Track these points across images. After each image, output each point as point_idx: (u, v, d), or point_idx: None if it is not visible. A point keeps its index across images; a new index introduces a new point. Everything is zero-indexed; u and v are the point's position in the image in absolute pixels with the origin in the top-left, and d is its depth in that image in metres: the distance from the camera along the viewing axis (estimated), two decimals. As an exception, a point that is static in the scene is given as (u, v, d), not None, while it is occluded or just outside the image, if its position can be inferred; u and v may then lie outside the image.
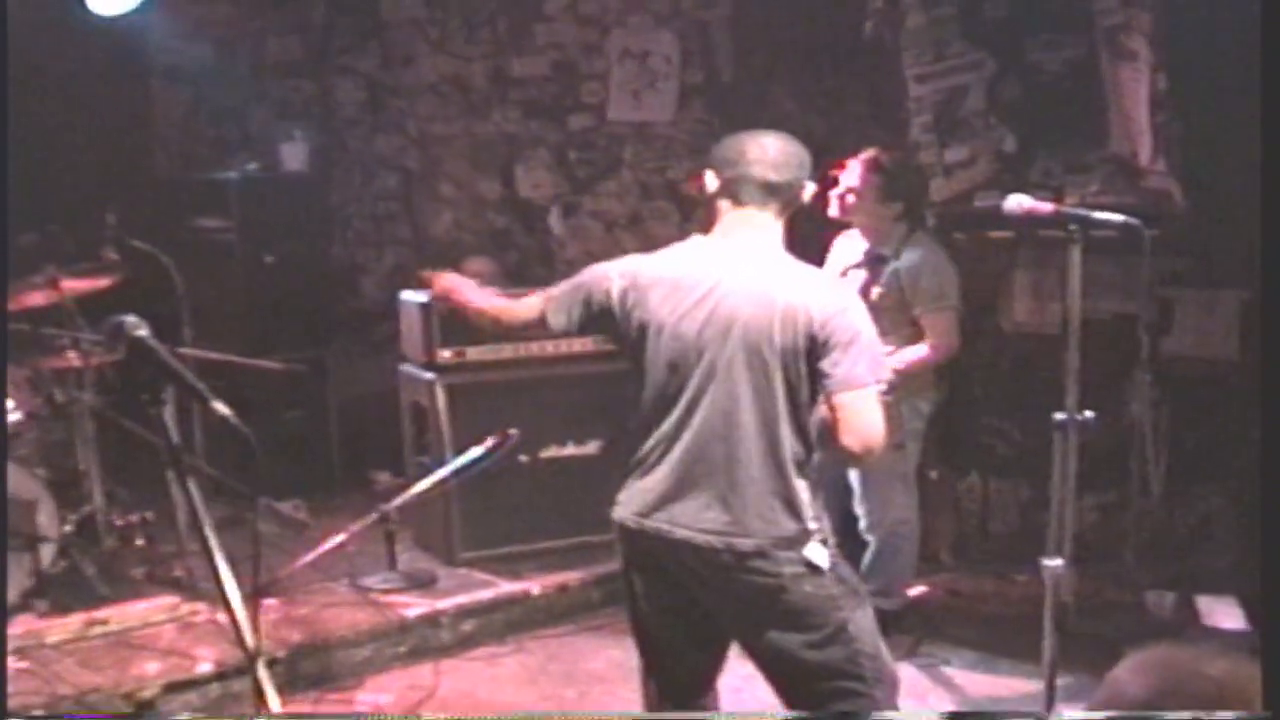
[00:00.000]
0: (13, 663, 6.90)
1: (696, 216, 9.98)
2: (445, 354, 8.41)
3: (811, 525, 4.67)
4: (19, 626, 7.20)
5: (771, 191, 4.78)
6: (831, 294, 4.76)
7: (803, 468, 4.69)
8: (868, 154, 7.33)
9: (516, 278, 9.85)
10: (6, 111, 6.09)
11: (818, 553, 4.65)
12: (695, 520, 4.68)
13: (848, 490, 7.46)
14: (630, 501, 4.84)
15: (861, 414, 4.56)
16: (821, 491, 4.80)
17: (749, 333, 4.62)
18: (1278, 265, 4.44)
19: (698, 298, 4.71)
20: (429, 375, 8.42)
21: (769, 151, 4.80)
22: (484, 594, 7.95)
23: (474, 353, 8.42)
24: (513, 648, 7.67)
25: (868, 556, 7.45)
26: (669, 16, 10.31)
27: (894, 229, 7.31)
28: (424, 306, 8.42)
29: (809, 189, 4.88)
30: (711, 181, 4.88)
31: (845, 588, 4.73)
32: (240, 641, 3.54)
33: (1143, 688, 2.83)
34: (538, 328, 5.13)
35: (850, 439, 4.57)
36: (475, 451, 7.91)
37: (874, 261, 7.29)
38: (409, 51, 10.82)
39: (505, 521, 8.38)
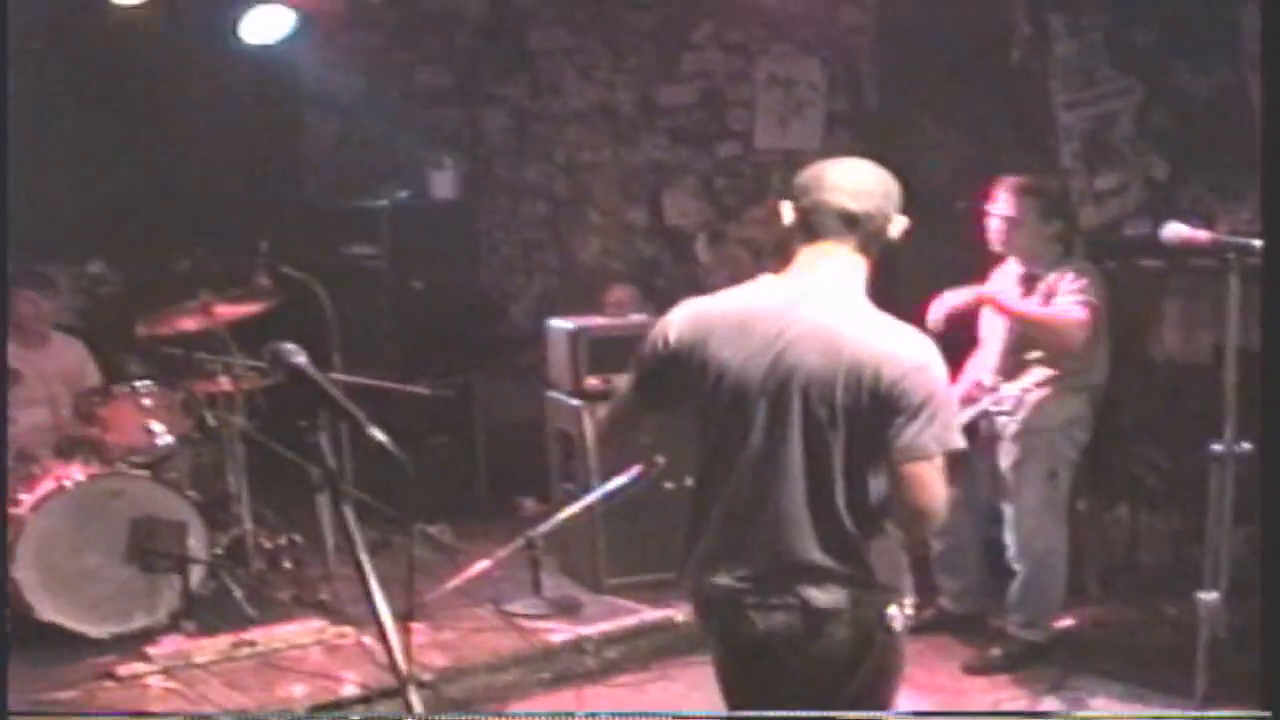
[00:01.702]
0: (159, 682, 7.07)
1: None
2: (593, 381, 8.42)
3: (877, 588, 4.24)
4: (167, 646, 7.32)
5: (850, 223, 4.24)
6: (907, 350, 4.17)
7: (866, 528, 4.21)
8: (1018, 180, 7.26)
9: (663, 305, 9.83)
10: (6, 112, 6.15)
11: (890, 616, 4.25)
12: (743, 582, 4.25)
13: (995, 518, 7.39)
14: (693, 566, 4.42)
15: (925, 487, 4.11)
16: (905, 553, 4.38)
17: (811, 386, 4.14)
18: (1279, 264, 4.38)
19: (761, 344, 4.20)
20: (576, 402, 8.44)
21: (849, 178, 4.31)
22: (628, 621, 7.95)
23: (622, 379, 8.41)
24: (656, 675, 7.64)
25: (1014, 586, 7.38)
26: (815, 44, 10.31)
27: (1049, 250, 7.24)
28: (572, 334, 8.45)
29: (898, 224, 4.33)
30: (787, 212, 4.40)
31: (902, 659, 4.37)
32: (392, 665, 3.56)
33: None
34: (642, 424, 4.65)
35: (906, 511, 4.16)
36: (621, 479, 7.89)
37: (1028, 280, 7.23)
38: (557, 80, 10.88)
39: (650, 548, 8.35)
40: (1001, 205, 7.24)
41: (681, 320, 4.37)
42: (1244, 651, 6.96)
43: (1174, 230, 5.50)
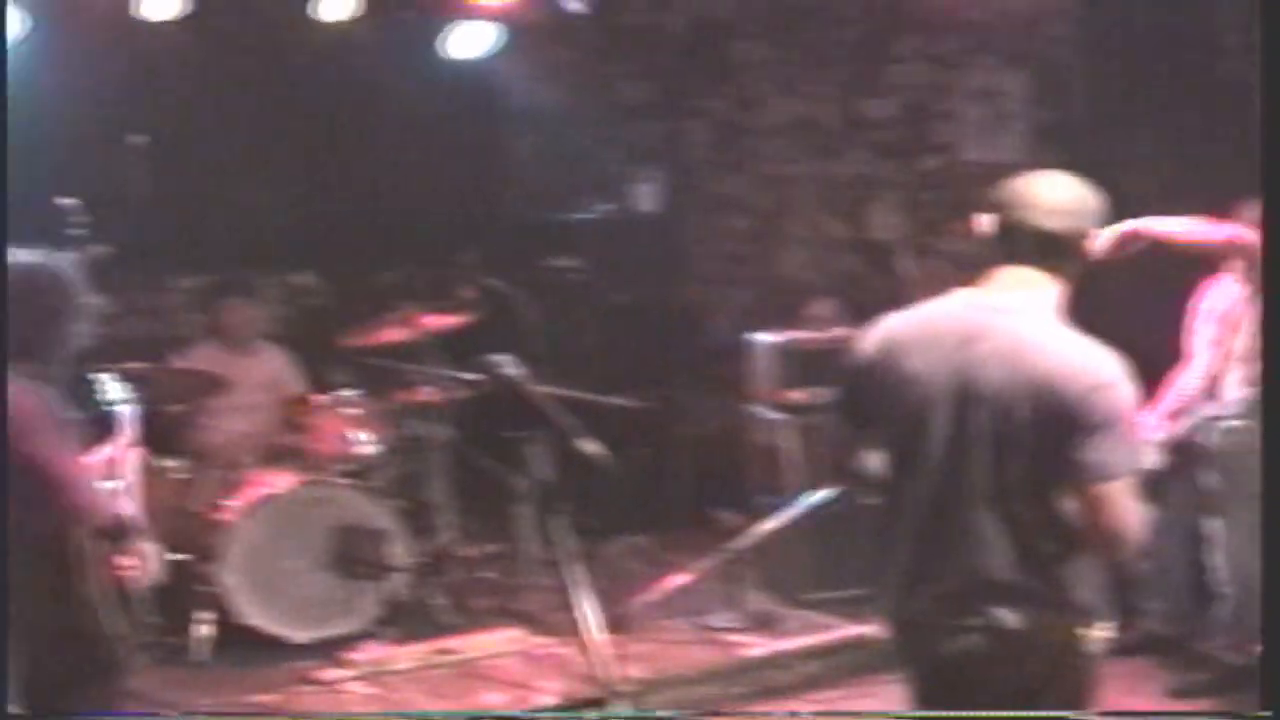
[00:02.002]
0: (360, 688, 7.15)
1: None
2: (795, 395, 8.39)
3: (1071, 609, 4.16)
4: (367, 652, 7.41)
5: (1046, 242, 4.18)
6: (1094, 367, 4.08)
7: (1058, 547, 4.12)
8: (1253, 203, 7.05)
9: (865, 320, 9.76)
10: (6, 113, 6.22)
11: (1084, 638, 4.17)
12: (933, 602, 4.19)
13: (1197, 541, 7.23)
14: (886, 583, 4.37)
15: (1114, 507, 4.01)
16: (1101, 572, 4.25)
17: (999, 401, 4.06)
18: (1278, 265, 4.21)
19: (949, 356, 4.16)
20: (779, 416, 8.41)
21: (1048, 195, 4.23)
22: (827, 636, 7.90)
23: (823, 394, 8.36)
24: (855, 691, 7.57)
25: (1224, 609, 7.21)
26: (1021, 56, 10.17)
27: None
28: (774, 347, 8.43)
29: (1098, 240, 4.30)
30: (983, 227, 4.37)
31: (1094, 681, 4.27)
32: (594, 675, 3.57)
33: None
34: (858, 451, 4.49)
35: (1098, 533, 4.05)
36: (823, 493, 7.86)
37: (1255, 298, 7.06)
38: (760, 93, 10.86)
39: (851, 564, 8.25)
40: (1233, 221, 7.02)
41: (875, 334, 4.37)
42: None
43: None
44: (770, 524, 7.92)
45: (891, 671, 7.67)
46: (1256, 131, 8.49)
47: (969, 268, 10.13)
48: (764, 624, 8.00)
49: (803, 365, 8.46)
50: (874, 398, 4.29)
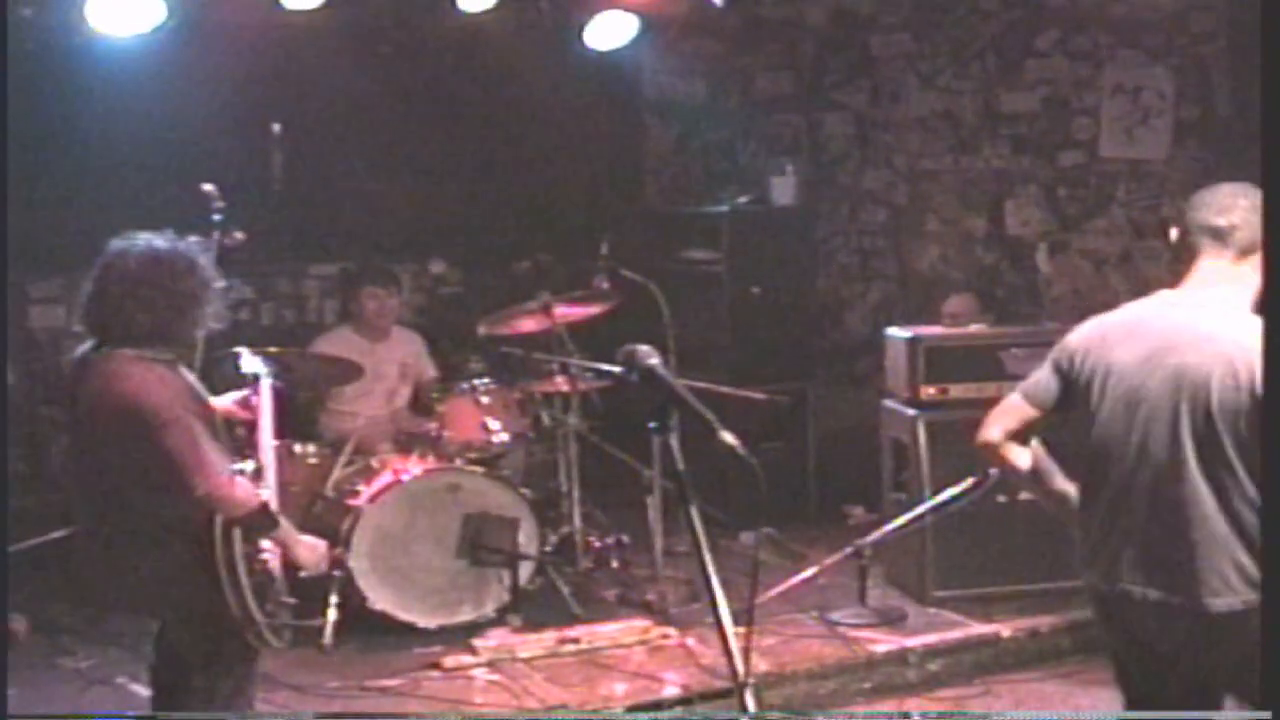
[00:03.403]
0: (484, 674, 7.22)
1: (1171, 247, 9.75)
2: (929, 390, 8.36)
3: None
4: (493, 639, 7.49)
5: (1219, 236, 4.60)
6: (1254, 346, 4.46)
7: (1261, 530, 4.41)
8: None
9: (1002, 315, 9.73)
10: (6, 113, 6.27)
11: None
12: (1155, 580, 4.54)
13: None
14: (1095, 565, 4.71)
15: None
16: None
17: (1196, 387, 4.45)
18: (1278, 265, 4.19)
19: (1152, 350, 4.58)
20: (911, 411, 8.38)
21: (1215, 196, 4.69)
22: (953, 634, 7.87)
23: (958, 390, 8.34)
24: (979, 690, 7.55)
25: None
26: (1163, 51, 10.08)
27: None
28: (910, 342, 8.40)
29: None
30: (1174, 234, 4.81)
31: None
32: (731, 667, 3.62)
33: None
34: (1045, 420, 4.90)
35: None
36: (953, 490, 7.83)
37: None
38: (898, 86, 10.82)
39: (979, 562, 8.26)
40: None
41: (1082, 330, 4.83)
42: None
43: None
44: (900, 520, 7.91)
45: (1018, 670, 7.73)
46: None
47: (1110, 264, 10.09)
48: (890, 620, 7.97)
49: (938, 361, 8.41)
50: (1073, 388, 4.74)
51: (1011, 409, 4.92)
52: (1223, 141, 9.96)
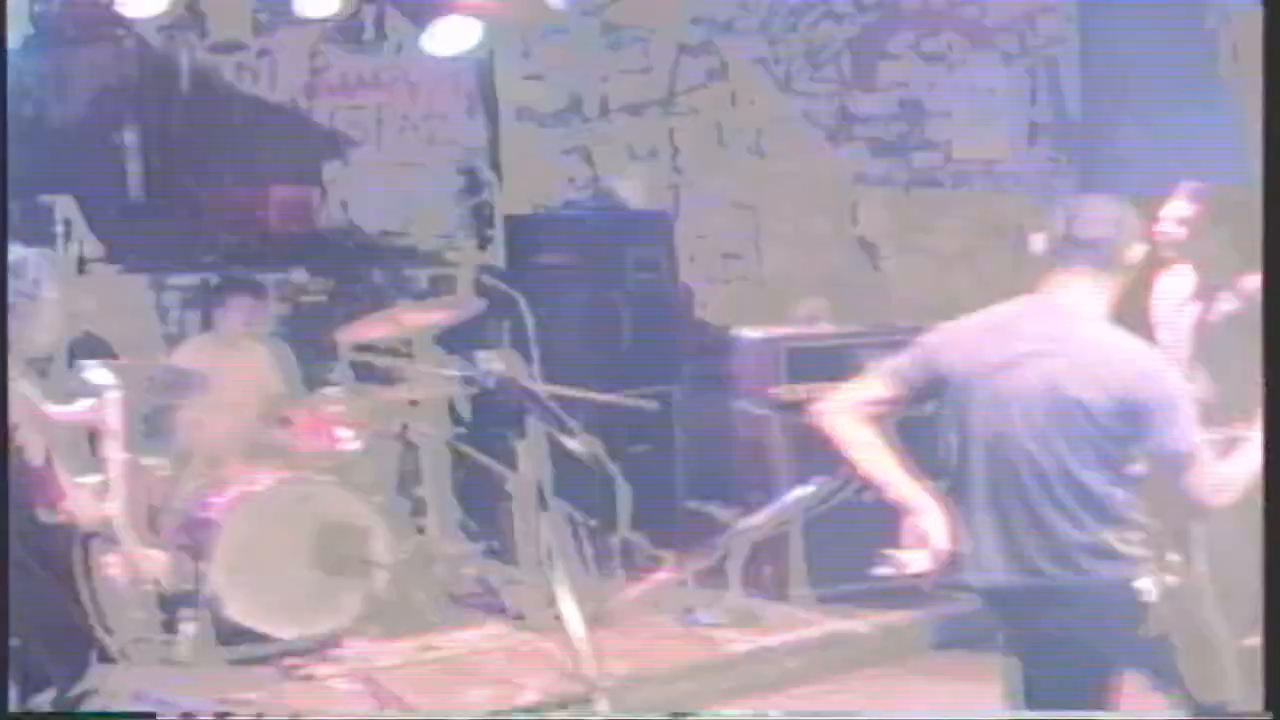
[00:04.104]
0: (344, 684, 7.16)
1: (1035, 257, 9.84)
2: (786, 390, 8.40)
3: (1134, 563, 4.69)
4: (352, 649, 7.44)
5: (1088, 248, 4.82)
6: (1147, 358, 4.82)
7: (1120, 516, 4.70)
8: (1190, 184, 7.04)
9: (855, 315, 9.79)
10: (6, 113, 6.25)
11: (1148, 585, 4.68)
12: (1025, 566, 4.75)
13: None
14: (967, 558, 4.85)
15: (1200, 474, 4.66)
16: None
17: (1056, 390, 4.67)
18: (1278, 264, 4.34)
19: (1014, 349, 4.77)
20: (769, 411, 8.42)
21: (1081, 209, 4.93)
22: (813, 632, 7.92)
23: (811, 389, 8.38)
24: (838, 687, 7.60)
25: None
26: (1015, 53, 10.18)
27: (1226, 259, 7.01)
28: (765, 343, 8.45)
29: (1138, 249, 4.94)
30: (1037, 243, 4.96)
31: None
32: (578, 671, 3.60)
33: None
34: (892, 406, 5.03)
35: (1201, 499, 4.72)
36: (813, 488, 7.88)
37: (1207, 292, 7.02)
38: (754, 90, 10.85)
39: (840, 560, 8.28)
40: (1174, 207, 7.03)
41: (948, 327, 4.99)
42: None
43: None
44: (757, 520, 7.94)
45: (874, 666, 7.78)
46: (1247, 127, 8.55)
47: (955, 263, 10.17)
48: (748, 620, 8.01)
49: (792, 362, 8.46)
50: (944, 383, 4.87)
51: (863, 383, 5.05)
52: (1072, 142, 10.09)
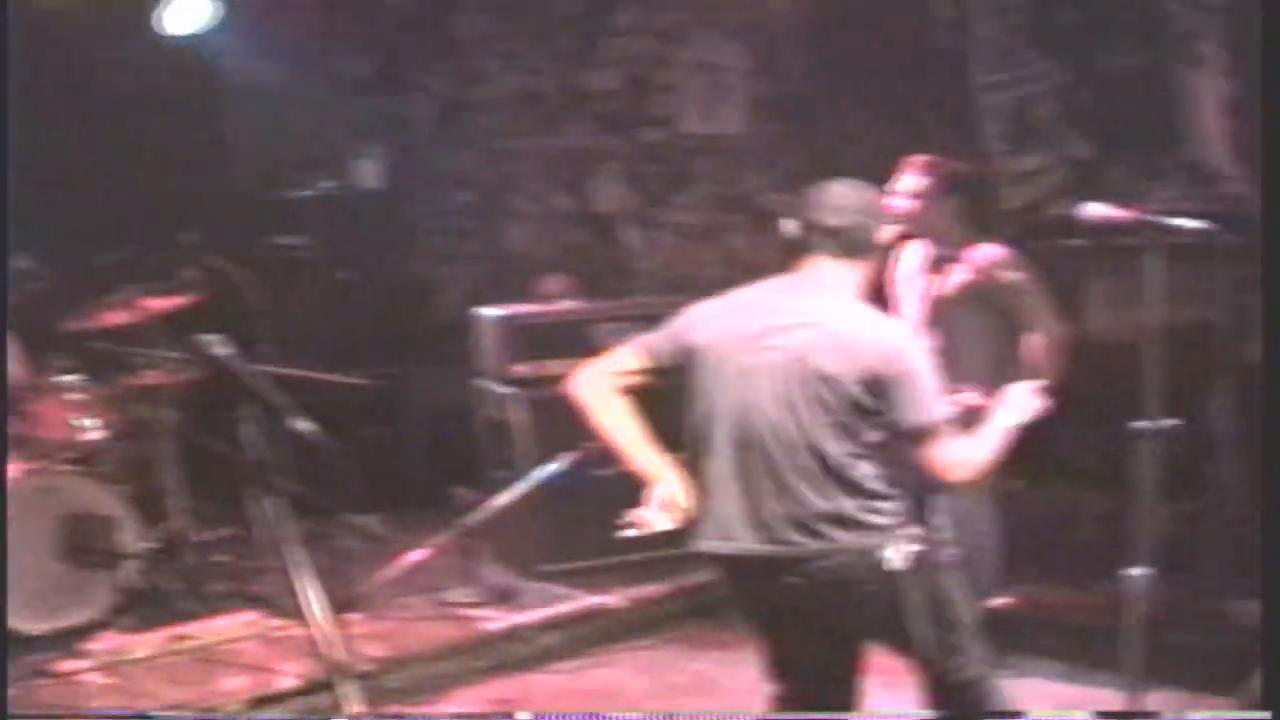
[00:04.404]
0: (98, 678, 7.04)
1: (770, 229, 10.01)
2: (522, 368, 8.45)
3: (877, 533, 4.87)
4: (103, 642, 7.31)
5: (834, 235, 5.01)
6: (894, 335, 5.03)
7: (864, 486, 4.87)
8: (918, 157, 7.21)
9: (593, 292, 9.87)
10: (6, 113, 6.13)
11: (891, 555, 4.85)
12: (764, 536, 4.89)
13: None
14: (711, 528, 5.01)
15: (939, 450, 4.86)
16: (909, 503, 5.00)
17: (803, 366, 4.84)
18: (1278, 261, 4.48)
19: (763, 328, 4.94)
20: (506, 390, 8.47)
21: (830, 196, 5.07)
22: (565, 607, 8.01)
23: (552, 366, 8.43)
24: (595, 661, 7.68)
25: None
26: (739, 29, 10.30)
27: (956, 230, 7.19)
28: (500, 321, 8.46)
29: (885, 232, 5.21)
30: (789, 228, 5.13)
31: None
32: (323, 657, 3.57)
33: None
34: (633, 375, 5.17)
35: (942, 471, 4.90)
36: (554, 465, 7.94)
37: (938, 263, 7.21)
38: (480, 67, 10.86)
39: (585, 535, 8.35)
40: (903, 181, 7.20)
41: (702, 305, 5.14)
42: (1175, 627, 7.05)
43: (1093, 209, 5.58)
44: (503, 498, 7.98)
45: (630, 639, 7.88)
46: (968, 99, 8.79)
47: (696, 237, 10.31)
48: (501, 598, 8.04)
49: (530, 339, 8.51)
50: (694, 358, 5.02)
51: (616, 354, 5.23)
52: (796, 116, 10.25)
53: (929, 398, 4.85)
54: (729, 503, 4.94)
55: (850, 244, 5.02)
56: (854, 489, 4.83)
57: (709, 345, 4.99)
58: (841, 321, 4.91)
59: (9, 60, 6.65)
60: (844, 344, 4.83)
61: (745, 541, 4.90)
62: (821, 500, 4.82)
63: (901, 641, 5.05)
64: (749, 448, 4.90)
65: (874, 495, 4.87)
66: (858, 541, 4.83)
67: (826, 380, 4.80)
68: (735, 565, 5.00)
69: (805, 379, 4.82)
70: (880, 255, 5.26)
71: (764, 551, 4.88)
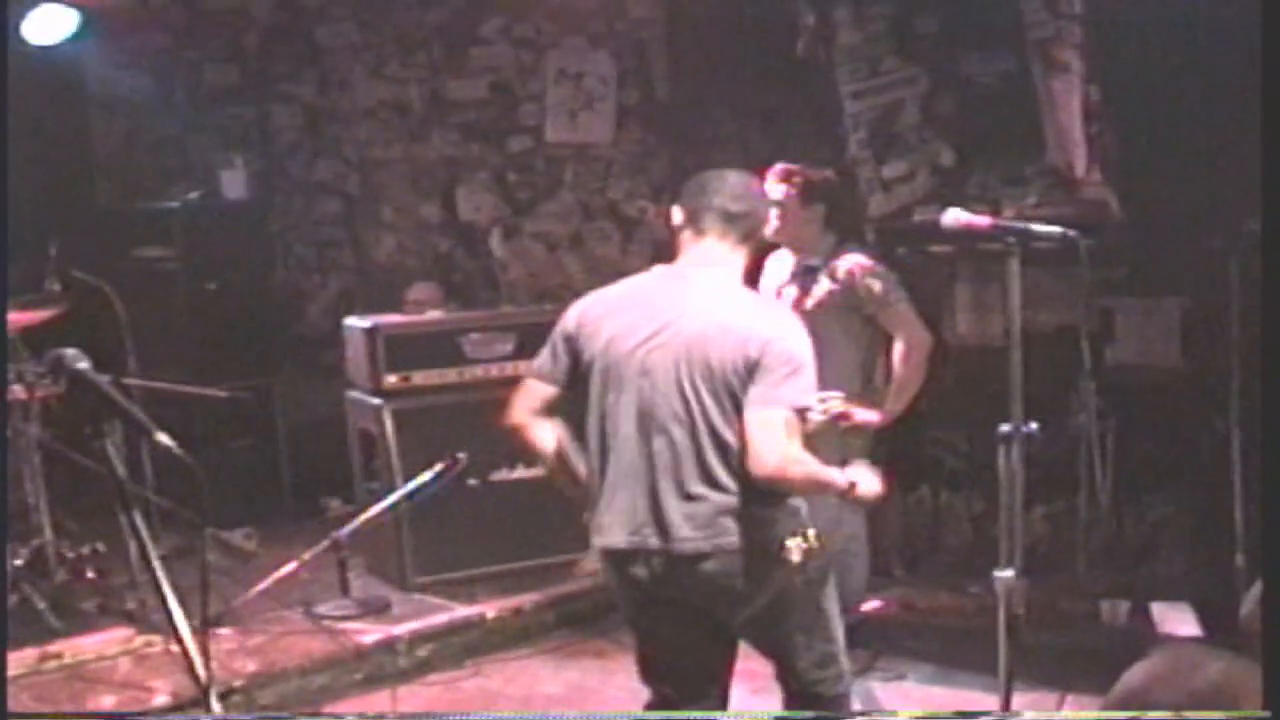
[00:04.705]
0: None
1: (639, 237, 10.06)
2: (391, 379, 8.42)
3: (774, 527, 4.94)
4: (-30, 661, 7.18)
5: (730, 220, 5.10)
6: (772, 322, 5.04)
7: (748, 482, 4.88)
8: (779, 166, 7.24)
9: (460, 301, 9.86)
10: (6, 112, 6.05)
11: (792, 547, 4.93)
12: (650, 530, 4.96)
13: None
14: (604, 523, 5.07)
15: (761, 433, 4.82)
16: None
17: (694, 357, 4.89)
18: (1277, 262, 4.51)
19: (650, 319, 4.99)
20: (376, 401, 8.43)
21: (727, 183, 5.17)
22: (438, 618, 7.96)
23: (420, 377, 8.45)
24: (470, 672, 7.67)
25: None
26: (604, 36, 10.33)
27: (821, 239, 7.23)
28: (368, 332, 8.43)
29: (770, 223, 5.39)
30: (676, 214, 5.21)
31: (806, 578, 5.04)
32: (192, 673, 3.54)
33: (1144, 674, 2.97)
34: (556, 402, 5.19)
35: (751, 460, 4.83)
36: (425, 476, 7.93)
37: (804, 273, 7.24)
38: (346, 76, 10.82)
39: (457, 545, 8.37)
40: (767, 190, 7.20)
41: (581, 305, 5.19)
42: (1044, 627, 7.16)
43: (954, 216, 5.65)
44: (374, 510, 7.96)
45: (505, 649, 7.89)
46: (833, 106, 8.87)
47: (563, 247, 10.33)
48: (374, 610, 8.01)
49: (398, 349, 8.48)
50: (576, 361, 5.08)
51: (528, 390, 5.19)
52: (662, 124, 10.30)
53: (787, 385, 4.84)
54: (630, 498, 4.98)
55: (743, 229, 5.13)
56: (751, 485, 4.85)
57: (597, 341, 5.03)
58: (729, 311, 4.97)
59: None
60: (731, 332, 4.88)
61: (645, 537, 4.95)
62: (719, 495, 4.88)
63: (782, 646, 5.17)
64: (649, 443, 4.94)
65: (772, 492, 4.90)
66: (755, 537, 4.89)
67: (716, 371, 4.85)
68: (630, 560, 5.02)
69: (699, 371, 4.87)
70: (756, 245, 5.32)
71: (661, 547, 4.93)
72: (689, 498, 4.91)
